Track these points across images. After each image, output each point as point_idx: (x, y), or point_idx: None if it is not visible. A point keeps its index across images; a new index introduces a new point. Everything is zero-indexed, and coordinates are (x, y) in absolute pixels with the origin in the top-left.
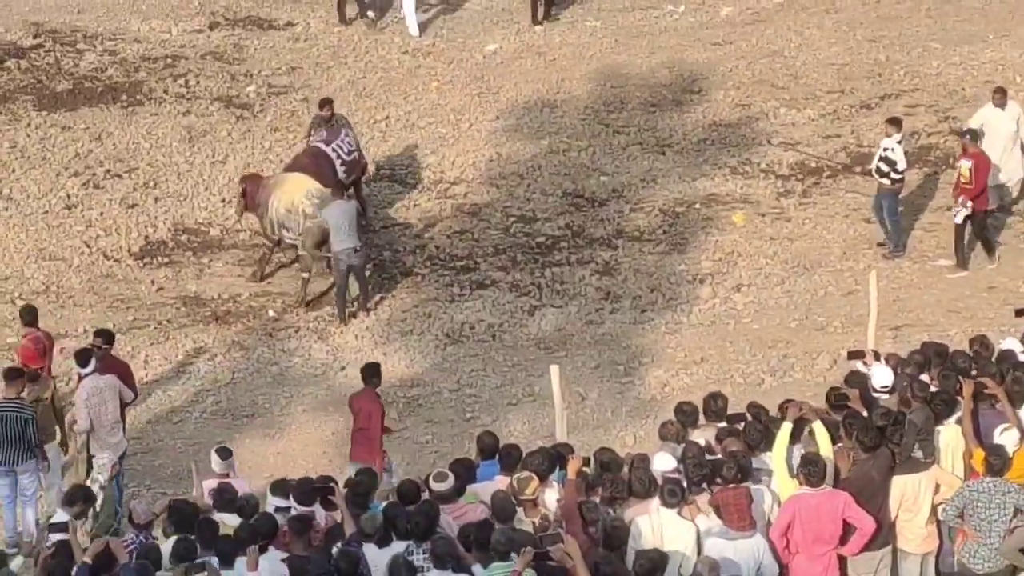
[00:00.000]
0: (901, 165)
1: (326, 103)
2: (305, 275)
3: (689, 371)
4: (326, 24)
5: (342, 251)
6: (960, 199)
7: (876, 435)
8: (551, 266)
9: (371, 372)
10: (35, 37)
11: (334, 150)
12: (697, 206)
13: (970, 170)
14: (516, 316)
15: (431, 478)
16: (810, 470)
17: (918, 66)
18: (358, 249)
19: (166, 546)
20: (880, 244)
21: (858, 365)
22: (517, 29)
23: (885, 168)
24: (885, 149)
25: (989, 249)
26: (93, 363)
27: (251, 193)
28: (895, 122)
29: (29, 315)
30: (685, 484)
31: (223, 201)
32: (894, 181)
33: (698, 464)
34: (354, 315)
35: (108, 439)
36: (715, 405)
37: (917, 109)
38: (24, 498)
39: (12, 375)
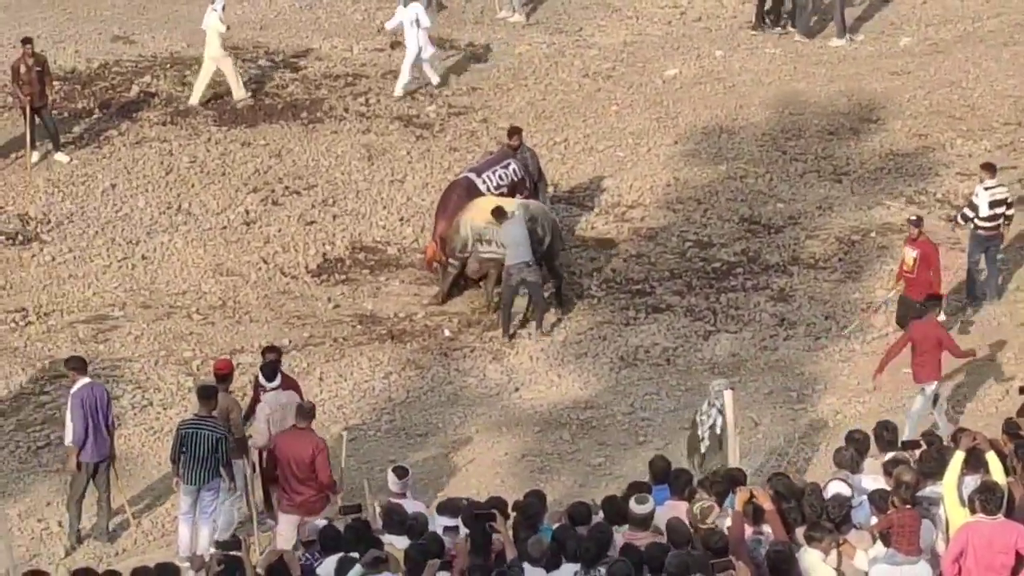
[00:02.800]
0: (983, 211)
1: (514, 132)
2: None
3: (862, 399)
4: (507, 45)
5: (513, 265)
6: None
7: None
8: (726, 291)
9: (933, 302)
10: None
11: (484, 181)
12: (873, 235)
13: (915, 259)
14: (691, 340)
15: (633, 500)
16: (987, 498)
17: None
18: (530, 264)
19: (326, 566)
20: None
21: None
22: (697, 55)
23: (970, 213)
24: (975, 195)
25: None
26: (279, 377)
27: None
28: (988, 168)
29: None
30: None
31: (401, 220)
32: (977, 227)
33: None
34: (530, 334)
35: None
36: (886, 434)
37: None
38: (203, 515)
39: (206, 393)
